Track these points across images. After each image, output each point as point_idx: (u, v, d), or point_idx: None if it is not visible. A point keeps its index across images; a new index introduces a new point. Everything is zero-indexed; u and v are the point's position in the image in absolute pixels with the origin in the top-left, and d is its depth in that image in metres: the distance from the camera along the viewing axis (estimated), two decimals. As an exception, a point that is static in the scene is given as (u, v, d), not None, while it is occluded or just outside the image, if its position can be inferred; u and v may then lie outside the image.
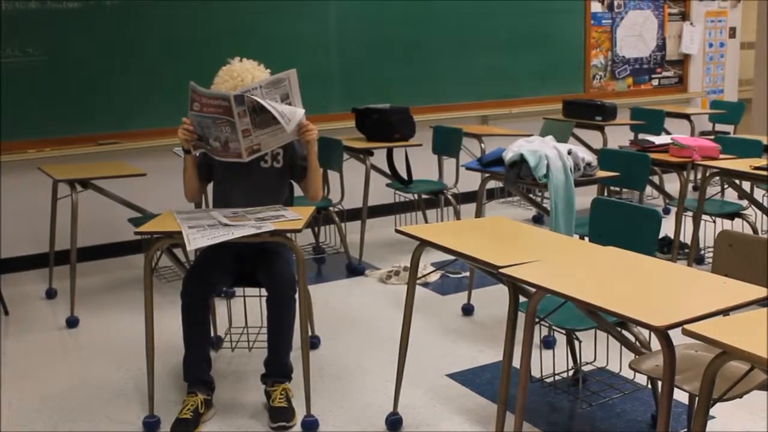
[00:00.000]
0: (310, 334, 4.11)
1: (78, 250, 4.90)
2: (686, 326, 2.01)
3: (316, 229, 6.22)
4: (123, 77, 5.99)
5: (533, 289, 2.58)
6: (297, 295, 3.55)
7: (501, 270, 2.61)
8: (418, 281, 3.70)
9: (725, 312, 2.18)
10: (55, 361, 4.28)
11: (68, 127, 5.88)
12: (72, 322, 4.76)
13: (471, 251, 2.89)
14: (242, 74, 3.62)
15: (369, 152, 5.84)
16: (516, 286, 2.82)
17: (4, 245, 5.62)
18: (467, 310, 4.73)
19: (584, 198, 4.41)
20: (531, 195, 5.55)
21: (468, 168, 4.72)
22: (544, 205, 5.03)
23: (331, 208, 5.58)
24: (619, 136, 6.91)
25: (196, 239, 3.21)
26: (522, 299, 2.89)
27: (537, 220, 6.77)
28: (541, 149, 4.21)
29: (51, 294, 5.31)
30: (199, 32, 6.16)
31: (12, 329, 4.79)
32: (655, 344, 2.36)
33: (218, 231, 3.26)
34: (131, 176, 5.03)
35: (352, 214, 6.08)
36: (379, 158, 6.03)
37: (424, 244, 3.13)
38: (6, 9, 5.60)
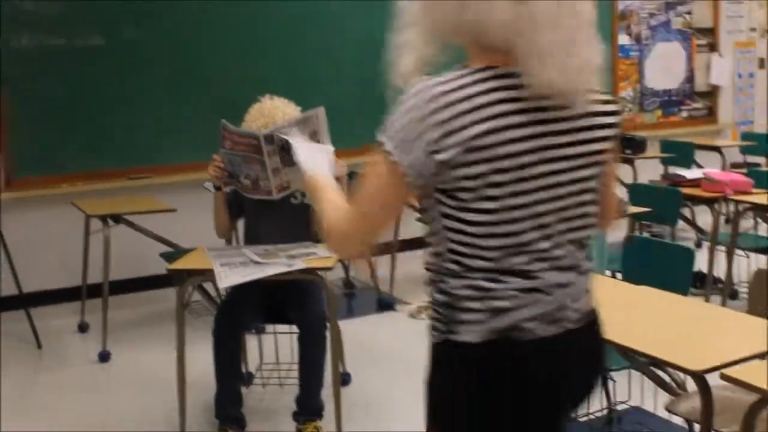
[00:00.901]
0: (341, 370, 4.10)
1: (109, 284, 4.93)
2: (724, 371, 1.99)
3: (346, 263, 6.22)
4: (153, 112, 6.04)
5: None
6: (328, 333, 3.55)
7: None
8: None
9: (763, 356, 2.16)
10: (87, 395, 4.30)
11: (99, 162, 5.94)
12: (104, 356, 4.78)
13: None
14: (272, 112, 3.65)
15: (398, 186, 5.82)
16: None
17: (37, 278, 5.66)
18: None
19: (615, 231, 4.39)
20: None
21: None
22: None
23: (361, 243, 5.59)
24: (649, 169, 6.88)
25: (228, 277, 3.23)
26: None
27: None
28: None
29: (83, 327, 5.34)
30: (230, 68, 6.21)
31: (45, 363, 4.83)
32: (691, 384, 2.34)
33: (250, 269, 3.28)
34: (163, 211, 5.07)
35: (382, 248, 6.07)
36: (409, 192, 6.02)
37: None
38: (38, 46, 5.69)
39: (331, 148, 3.57)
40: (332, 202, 1.78)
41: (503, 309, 1.58)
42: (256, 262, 3.36)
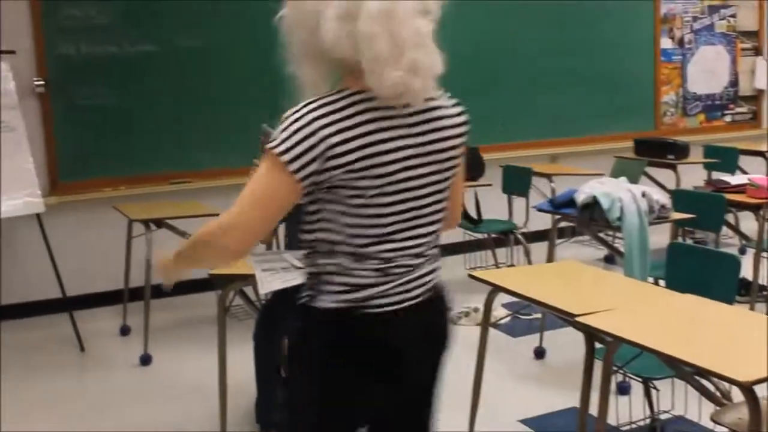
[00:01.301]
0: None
1: (151, 287, 4.97)
2: (773, 382, 1.96)
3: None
4: (195, 117, 6.09)
5: (609, 337, 2.54)
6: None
7: (577, 319, 2.58)
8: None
9: (813, 366, 2.12)
10: (129, 399, 4.34)
11: (142, 166, 5.99)
12: (145, 360, 4.83)
13: (546, 298, 2.86)
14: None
15: (438, 192, 5.83)
16: (591, 333, 2.77)
17: (80, 281, 5.74)
18: (539, 353, 4.68)
19: (657, 237, 4.36)
20: (602, 234, 5.48)
21: (540, 210, 4.69)
22: (616, 245, 4.97)
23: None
24: (692, 175, 6.80)
25: (269, 282, 3.23)
26: (597, 345, 2.85)
27: (609, 260, 6.67)
28: (614, 191, 4.17)
29: (125, 331, 5.40)
30: (271, 73, 6.23)
31: (87, 365, 4.89)
32: (736, 393, 2.30)
33: (291, 274, 3.28)
34: (205, 216, 5.10)
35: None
36: (449, 197, 6.02)
37: (497, 289, 3.11)
38: (83, 52, 5.76)
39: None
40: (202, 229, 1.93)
41: (359, 285, 1.89)
42: (298, 267, 3.36)
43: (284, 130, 1.82)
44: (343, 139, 1.80)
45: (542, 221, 5.60)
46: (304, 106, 1.85)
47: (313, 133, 1.79)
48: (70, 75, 5.75)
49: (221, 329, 3.39)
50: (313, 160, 1.79)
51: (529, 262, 5.80)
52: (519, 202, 6.22)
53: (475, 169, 6.00)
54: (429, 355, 2.06)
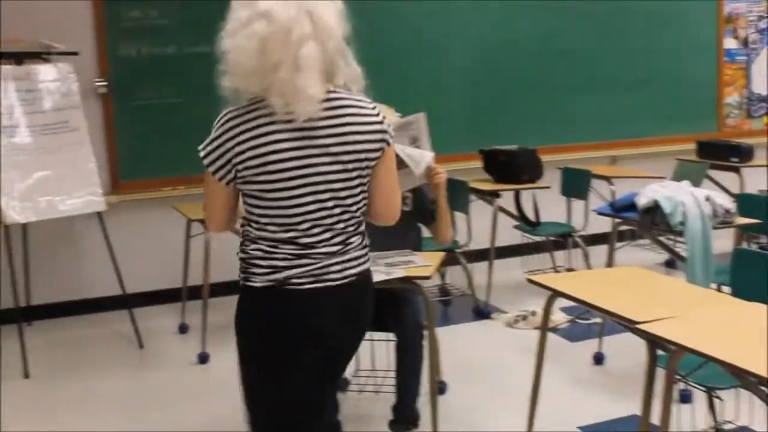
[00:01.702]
0: (437, 379, 4.07)
1: (209, 286, 5.01)
2: None
3: (443, 270, 6.19)
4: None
5: (673, 346, 2.48)
6: (425, 341, 3.53)
7: (639, 326, 2.53)
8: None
9: None
10: (186, 396, 4.37)
11: (201, 166, 5.97)
12: (203, 358, 4.87)
13: (606, 304, 2.81)
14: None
15: (496, 194, 5.80)
16: (654, 341, 2.72)
17: (139, 279, 5.80)
18: (598, 358, 4.61)
19: (721, 242, 4.26)
20: (664, 239, 5.39)
21: (600, 213, 4.62)
22: (678, 249, 4.87)
23: (458, 250, 5.53)
24: (756, 178, 6.65)
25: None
26: (659, 352, 2.79)
27: (670, 265, 6.56)
28: (676, 195, 4.09)
29: (183, 329, 5.45)
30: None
31: (146, 362, 4.95)
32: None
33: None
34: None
35: (479, 255, 6.02)
36: (507, 199, 5.98)
37: (556, 294, 3.07)
38: (145, 53, 5.83)
39: (431, 154, 3.58)
40: None
41: (279, 267, 2.22)
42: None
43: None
44: (241, 140, 2.15)
45: (601, 224, 5.53)
46: (221, 115, 2.21)
47: (219, 137, 2.19)
48: (132, 76, 5.82)
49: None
50: (220, 158, 2.20)
51: (588, 266, 5.73)
52: (578, 205, 6.15)
53: (532, 171, 5.94)
54: (348, 333, 2.36)
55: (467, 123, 6.80)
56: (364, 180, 2.26)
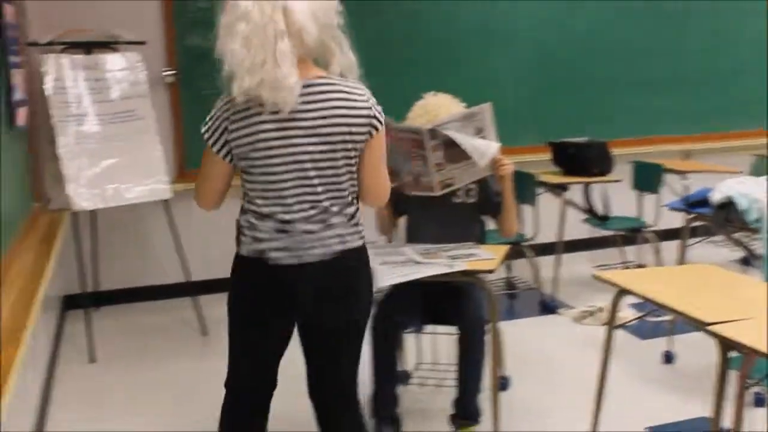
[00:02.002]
0: (500, 374, 4.00)
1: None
2: None
3: (509, 263, 6.10)
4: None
5: (745, 349, 2.37)
6: (488, 335, 3.46)
7: (710, 327, 2.42)
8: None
9: None
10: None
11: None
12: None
13: (676, 304, 2.70)
14: (436, 109, 3.58)
15: (564, 187, 5.68)
16: (725, 343, 2.60)
17: (203, 267, 5.83)
18: (668, 357, 4.47)
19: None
20: (739, 236, 5.21)
21: (672, 208, 4.49)
22: (753, 247, 4.71)
23: (524, 243, 5.43)
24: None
25: (387, 276, 3.18)
26: (732, 353, 2.67)
27: (745, 263, 6.35)
28: (753, 192, 3.94)
29: (246, 318, 5.45)
30: (395, 65, 6.20)
31: (209, 349, 4.96)
32: None
33: (409, 268, 3.22)
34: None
35: (546, 249, 5.91)
36: (575, 192, 5.85)
37: (624, 292, 2.97)
38: (213, 43, 5.83)
39: (497, 145, 3.50)
40: None
41: (260, 239, 2.44)
42: (417, 262, 3.30)
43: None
44: (234, 119, 2.38)
45: (673, 219, 5.38)
46: (220, 98, 2.44)
47: (218, 116, 2.43)
48: (199, 66, 5.82)
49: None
50: (217, 132, 2.43)
51: (659, 262, 5.58)
52: (649, 199, 5.99)
53: (602, 164, 5.81)
54: (330, 311, 2.51)
55: (534, 115, 6.67)
56: (351, 161, 2.43)
